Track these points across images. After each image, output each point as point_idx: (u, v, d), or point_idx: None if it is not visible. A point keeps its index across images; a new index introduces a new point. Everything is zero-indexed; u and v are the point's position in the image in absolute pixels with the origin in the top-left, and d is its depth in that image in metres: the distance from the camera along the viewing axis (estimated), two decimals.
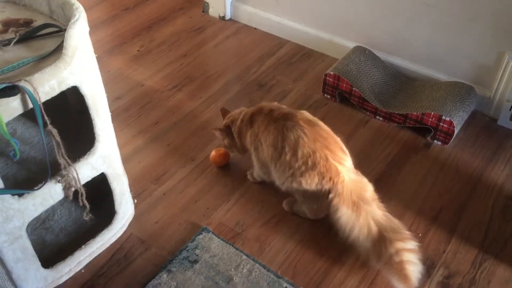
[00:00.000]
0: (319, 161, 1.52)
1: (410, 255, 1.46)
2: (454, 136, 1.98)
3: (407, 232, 1.51)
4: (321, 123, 1.62)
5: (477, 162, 1.94)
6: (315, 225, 1.70)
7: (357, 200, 1.52)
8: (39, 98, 1.18)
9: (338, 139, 1.61)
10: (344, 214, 1.51)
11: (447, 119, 1.92)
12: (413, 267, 1.45)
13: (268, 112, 1.65)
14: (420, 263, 1.47)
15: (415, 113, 1.99)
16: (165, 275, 1.53)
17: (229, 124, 1.77)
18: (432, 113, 1.95)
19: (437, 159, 1.95)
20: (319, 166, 1.52)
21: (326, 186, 1.53)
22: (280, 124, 1.59)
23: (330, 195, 1.53)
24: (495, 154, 1.97)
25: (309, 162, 1.53)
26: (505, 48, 1.98)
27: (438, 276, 1.56)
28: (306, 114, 1.64)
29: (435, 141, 2.01)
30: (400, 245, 1.45)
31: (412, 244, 1.48)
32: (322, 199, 1.57)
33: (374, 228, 1.48)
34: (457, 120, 1.95)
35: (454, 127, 1.93)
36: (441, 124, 1.95)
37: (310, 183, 1.55)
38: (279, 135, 1.58)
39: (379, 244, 1.47)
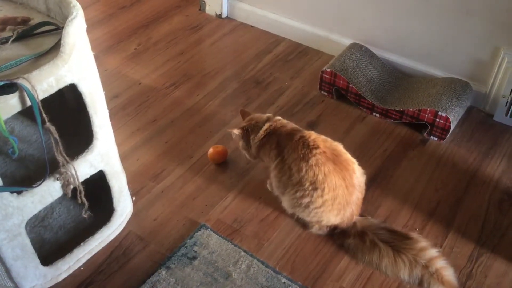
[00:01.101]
0: (338, 195, 1.56)
1: (441, 261, 1.51)
2: (450, 132, 1.99)
3: (423, 240, 1.56)
4: (339, 147, 1.63)
5: (473, 158, 1.95)
6: None
7: (361, 230, 1.61)
8: (37, 96, 1.18)
9: (354, 161, 1.62)
10: (351, 243, 1.61)
11: (443, 115, 1.93)
12: (449, 271, 1.51)
13: (299, 139, 1.60)
14: (450, 265, 1.53)
15: (411, 109, 2.00)
16: (164, 272, 1.54)
17: (248, 129, 1.72)
18: (429, 109, 1.96)
19: (434, 154, 1.96)
20: (337, 202, 1.57)
21: (337, 222, 1.62)
22: (304, 152, 1.56)
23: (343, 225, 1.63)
24: (491, 149, 1.98)
25: (329, 197, 1.56)
26: (500, 43, 1.99)
27: None
28: (325, 140, 1.62)
29: (432, 137, 2.02)
30: (427, 254, 1.51)
31: (435, 251, 1.54)
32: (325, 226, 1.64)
33: (387, 248, 1.55)
34: (453, 116, 1.96)
35: (450, 122, 1.94)
36: (437, 120, 1.96)
37: (327, 219, 1.60)
38: (303, 161, 1.56)
39: (403, 262, 1.52)
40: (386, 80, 2.23)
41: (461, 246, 1.63)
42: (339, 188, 1.55)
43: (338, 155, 1.59)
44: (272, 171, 1.67)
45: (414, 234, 1.58)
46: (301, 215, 1.64)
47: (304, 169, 1.55)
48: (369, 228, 1.60)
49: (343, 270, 1.56)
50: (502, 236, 1.67)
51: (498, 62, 2.02)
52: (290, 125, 1.70)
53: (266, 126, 1.68)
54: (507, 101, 2.04)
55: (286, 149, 1.62)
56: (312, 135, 1.61)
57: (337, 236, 1.64)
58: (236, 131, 1.72)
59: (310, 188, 1.55)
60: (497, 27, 1.97)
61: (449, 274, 1.50)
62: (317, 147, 1.56)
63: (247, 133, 1.72)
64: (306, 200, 1.57)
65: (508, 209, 1.75)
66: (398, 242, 1.55)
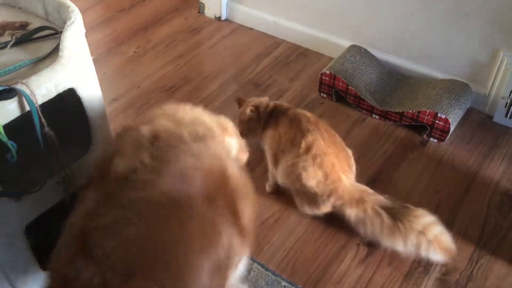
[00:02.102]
0: (326, 164, 1.60)
1: (438, 227, 1.51)
2: (450, 134, 1.98)
3: (419, 209, 1.56)
4: (338, 138, 1.73)
5: (473, 159, 1.95)
6: (313, 223, 1.71)
7: (359, 196, 1.57)
8: (36, 101, 1.18)
9: (351, 155, 1.71)
10: (352, 214, 1.57)
11: (443, 116, 1.93)
12: (447, 237, 1.52)
13: (293, 115, 1.74)
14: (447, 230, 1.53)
15: (411, 111, 2.00)
16: None
17: (258, 106, 1.80)
18: (428, 111, 1.96)
19: (433, 156, 1.96)
20: (324, 167, 1.59)
21: (327, 189, 1.58)
22: (303, 125, 1.68)
23: (331, 198, 1.59)
24: (491, 151, 1.98)
25: (318, 160, 1.60)
26: (499, 45, 1.99)
27: (436, 273, 1.56)
28: (326, 125, 1.74)
29: (431, 139, 2.02)
30: (423, 220, 1.51)
31: (431, 217, 1.53)
32: (316, 199, 1.61)
33: (385, 215, 1.53)
34: (453, 117, 1.96)
35: (450, 124, 1.94)
36: (437, 121, 1.96)
37: (312, 177, 1.59)
38: (299, 133, 1.67)
39: (399, 229, 1.51)
40: (386, 82, 2.23)
41: (461, 248, 1.63)
42: (331, 155, 1.61)
43: (333, 136, 1.71)
44: (268, 142, 1.76)
45: (409, 205, 1.58)
46: (293, 186, 1.67)
47: (299, 137, 1.65)
48: (368, 196, 1.59)
49: (343, 273, 1.56)
50: (502, 238, 1.66)
51: (498, 64, 2.01)
52: (293, 108, 1.82)
53: (271, 104, 1.81)
54: (507, 103, 2.04)
55: (287, 122, 1.72)
56: (313, 116, 1.74)
57: (338, 209, 1.61)
58: (249, 109, 1.78)
59: (304, 153, 1.62)
60: (497, 29, 1.97)
61: (446, 240, 1.50)
62: (317, 122, 1.70)
63: (257, 110, 1.79)
64: (300, 165, 1.61)
65: (508, 211, 1.75)
66: (394, 211, 1.54)
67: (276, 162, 1.72)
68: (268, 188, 1.81)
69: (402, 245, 1.51)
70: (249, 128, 1.81)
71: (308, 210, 1.67)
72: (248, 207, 1.20)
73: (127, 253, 0.95)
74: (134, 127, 1.14)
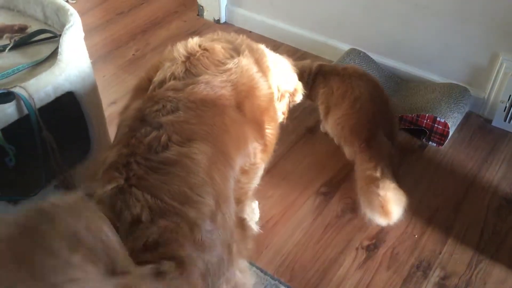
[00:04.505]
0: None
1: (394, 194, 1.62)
2: (449, 137, 1.98)
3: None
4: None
5: (472, 163, 1.94)
6: (312, 227, 1.70)
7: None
8: (34, 104, 1.18)
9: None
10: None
11: (442, 120, 1.93)
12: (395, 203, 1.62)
13: (342, 69, 1.96)
14: None
15: (410, 115, 2.00)
16: None
17: (301, 71, 1.92)
18: (427, 115, 1.96)
19: (432, 160, 1.96)
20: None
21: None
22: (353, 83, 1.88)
23: None
24: (489, 155, 1.98)
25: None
26: (499, 48, 1.99)
27: (435, 277, 1.56)
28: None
29: (430, 143, 2.02)
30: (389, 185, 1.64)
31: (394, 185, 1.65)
32: None
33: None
34: (452, 121, 1.96)
35: (448, 128, 1.94)
36: (435, 125, 1.96)
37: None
38: (350, 89, 1.87)
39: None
40: (385, 85, 2.22)
41: (460, 253, 1.63)
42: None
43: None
44: (321, 98, 1.95)
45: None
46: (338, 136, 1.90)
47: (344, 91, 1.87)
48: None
49: (342, 278, 1.56)
50: (501, 242, 1.66)
51: (497, 68, 2.02)
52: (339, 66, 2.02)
53: (315, 65, 1.99)
54: (506, 107, 2.04)
55: (338, 79, 1.91)
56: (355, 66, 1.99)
57: None
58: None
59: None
60: (496, 33, 1.97)
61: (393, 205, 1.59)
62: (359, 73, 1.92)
63: (302, 73, 1.92)
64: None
65: (507, 215, 1.75)
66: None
67: (327, 114, 1.92)
68: (322, 129, 2.06)
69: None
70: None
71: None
72: (272, 128, 1.38)
73: (183, 127, 1.08)
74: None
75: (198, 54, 1.26)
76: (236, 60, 1.29)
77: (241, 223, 1.19)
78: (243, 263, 1.17)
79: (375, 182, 1.62)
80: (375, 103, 1.84)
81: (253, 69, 1.33)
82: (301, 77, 1.89)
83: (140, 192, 0.97)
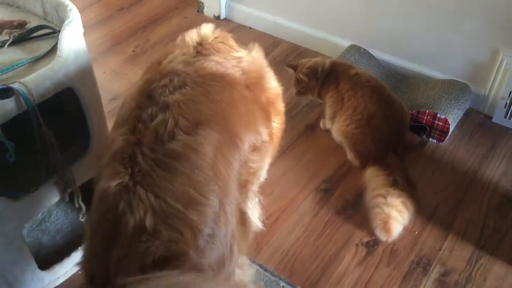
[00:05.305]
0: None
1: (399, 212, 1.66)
2: (449, 134, 1.98)
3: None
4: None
5: (472, 160, 1.94)
6: (311, 224, 1.70)
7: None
8: (34, 100, 1.18)
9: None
10: None
11: (442, 117, 1.93)
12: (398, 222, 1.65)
13: (354, 74, 1.88)
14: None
15: (410, 111, 2.00)
16: None
17: (314, 69, 1.92)
18: (427, 111, 1.95)
19: (433, 157, 1.96)
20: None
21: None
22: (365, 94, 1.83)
23: None
24: (490, 152, 1.97)
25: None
26: (499, 45, 1.99)
27: (435, 274, 1.56)
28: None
29: (430, 139, 2.02)
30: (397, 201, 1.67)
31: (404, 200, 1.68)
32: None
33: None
34: (452, 118, 1.96)
35: (449, 125, 1.94)
36: (436, 122, 1.95)
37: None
38: (361, 99, 1.82)
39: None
40: (385, 82, 2.22)
41: (460, 249, 1.63)
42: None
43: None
44: (329, 101, 1.91)
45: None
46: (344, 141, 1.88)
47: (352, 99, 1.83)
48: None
49: (342, 274, 1.56)
50: (501, 239, 1.66)
51: (497, 64, 2.01)
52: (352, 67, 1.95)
53: (327, 62, 1.94)
54: (506, 103, 2.03)
55: (349, 84, 1.86)
56: (366, 73, 1.90)
57: None
58: (304, 72, 1.93)
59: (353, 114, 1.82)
60: (496, 29, 1.96)
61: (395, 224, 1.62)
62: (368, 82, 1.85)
63: (315, 71, 1.92)
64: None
65: (507, 212, 1.75)
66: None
67: (333, 118, 1.90)
68: (322, 126, 2.05)
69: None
70: (307, 88, 1.96)
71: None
72: (278, 121, 1.39)
73: (189, 108, 1.07)
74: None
75: (210, 40, 1.28)
76: (247, 51, 1.33)
77: (242, 218, 1.19)
78: (242, 259, 1.17)
79: (383, 195, 1.65)
80: (388, 123, 1.81)
81: (263, 62, 1.36)
82: (313, 74, 1.91)
83: (144, 192, 0.96)
